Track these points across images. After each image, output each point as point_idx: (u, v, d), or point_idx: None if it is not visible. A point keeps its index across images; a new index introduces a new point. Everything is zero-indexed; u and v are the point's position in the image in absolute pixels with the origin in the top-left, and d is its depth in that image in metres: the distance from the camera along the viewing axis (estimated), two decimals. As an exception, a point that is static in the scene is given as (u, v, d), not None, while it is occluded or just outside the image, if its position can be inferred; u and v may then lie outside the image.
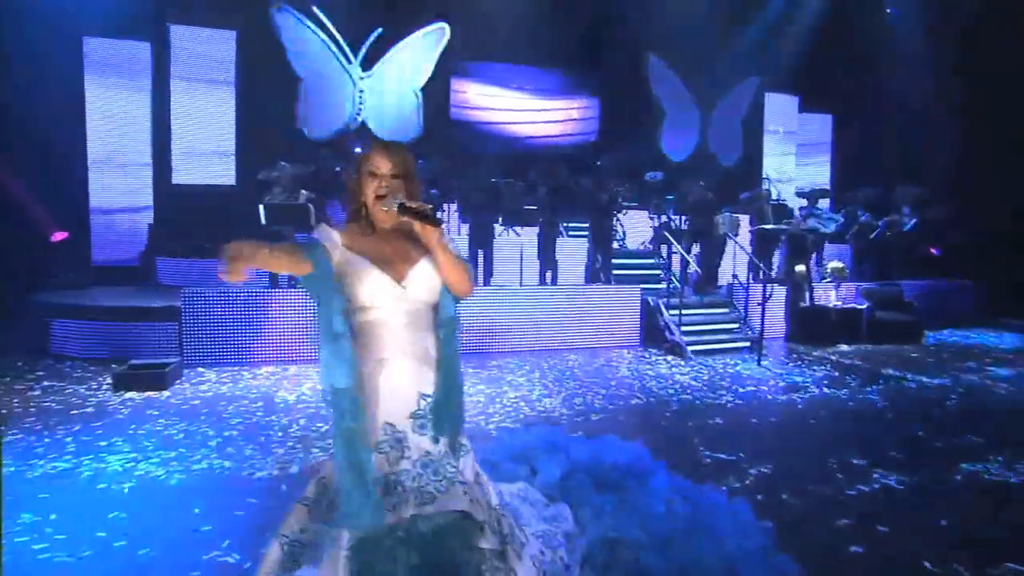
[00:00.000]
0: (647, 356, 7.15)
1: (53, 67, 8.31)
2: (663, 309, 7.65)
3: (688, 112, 12.66)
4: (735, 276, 8.49)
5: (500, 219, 8.45)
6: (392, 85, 10.57)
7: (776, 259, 9.19)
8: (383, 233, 1.82)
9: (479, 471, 1.91)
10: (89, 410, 4.71)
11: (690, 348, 7.13)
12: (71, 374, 5.71)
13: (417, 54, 10.65)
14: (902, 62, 12.41)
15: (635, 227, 10.40)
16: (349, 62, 10.37)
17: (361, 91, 10.48)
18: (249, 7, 9.71)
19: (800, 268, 8.47)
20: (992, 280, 10.25)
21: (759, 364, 6.74)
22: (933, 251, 10.99)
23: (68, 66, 8.75)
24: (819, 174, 13.57)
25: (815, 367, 6.71)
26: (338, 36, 10.20)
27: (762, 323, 7.09)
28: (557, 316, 7.45)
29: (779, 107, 13.34)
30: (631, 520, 2.56)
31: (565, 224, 9.48)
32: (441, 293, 1.82)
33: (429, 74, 10.73)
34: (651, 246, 9.99)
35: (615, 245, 9.16)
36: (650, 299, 7.84)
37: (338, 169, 8.74)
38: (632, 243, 10.28)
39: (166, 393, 5.17)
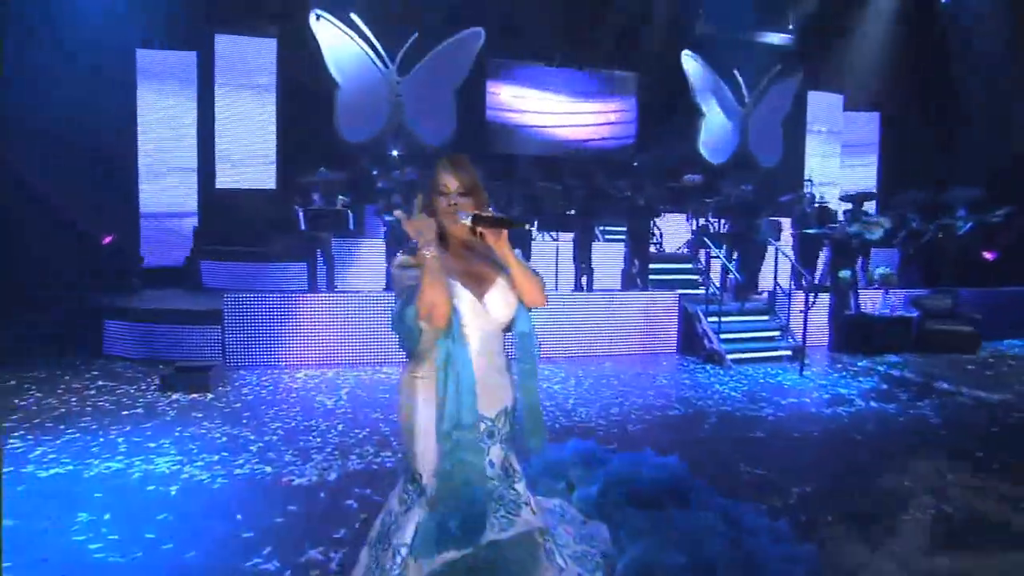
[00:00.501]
0: (685, 364, 7.02)
1: (105, 79, 8.67)
2: (701, 316, 7.49)
3: (728, 112, 12.40)
4: (776, 282, 8.25)
5: (536, 223, 8.42)
6: (428, 89, 10.67)
7: (820, 264, 8.90)
8: (457, 251, 1.84)
9: (529, 493, 1.93)
10: (139, 411, 4.89)
11: (729, 357, 6.96)
12: (123, 374, 5.94)
13: (453, 58, 10.73)
14: (957, 55, 11.84)
15: (673, 231, 10.23)
16: (386, 67, 10.51)
17: (398, 95, 10.61)
18: (289, 16, 9.96)
19: (845, 274, 8.18)
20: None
21: (801, 374, 6.54)
22: (987, 256, 10.46)
23: (121, 77, 9.15)
24: (866, 176, 13.09)
25: (861, 379, 6.46)
26: (375, 41, 10.36)
27: (805, 331, 6.87)
28: (593, 322, 7.38)
29: (822, 105, 12.92)
30: (670, 541, 2.52)
31: (601, 228, 9.40)
32: (517, 308, 1.85)
33: (464, 76, 10.80)
34: (689, 250, 9.81)
35: (652, 248, 9.03)
36: (688, 305, 7.69)
37: (375, 173, 8.88)
38: (669, 247, 10.12)
39: (210, 395, 5.33)
